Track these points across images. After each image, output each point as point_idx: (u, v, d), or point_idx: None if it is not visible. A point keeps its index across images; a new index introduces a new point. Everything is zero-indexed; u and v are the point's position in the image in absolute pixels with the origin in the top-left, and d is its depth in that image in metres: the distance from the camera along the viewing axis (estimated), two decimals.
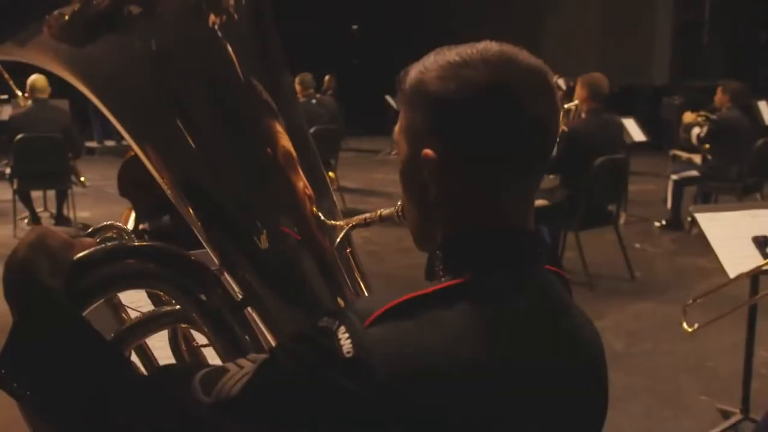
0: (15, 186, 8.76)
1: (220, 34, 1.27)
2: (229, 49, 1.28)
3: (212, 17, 1.26)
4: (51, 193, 9.58)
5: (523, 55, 1.16)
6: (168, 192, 1.37)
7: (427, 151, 1.14)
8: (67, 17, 1.20)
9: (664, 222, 9.13)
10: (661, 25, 19.00)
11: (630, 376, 4.96)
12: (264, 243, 1.34)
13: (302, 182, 1.35)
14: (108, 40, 1.23)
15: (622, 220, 8.27)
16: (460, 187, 1.15)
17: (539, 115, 1.15)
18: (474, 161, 1.14)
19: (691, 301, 3.89)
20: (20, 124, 8.53)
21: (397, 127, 1.22)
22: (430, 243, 1.22)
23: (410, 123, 1.19)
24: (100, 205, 9.72)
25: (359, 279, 1.43)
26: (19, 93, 9.75)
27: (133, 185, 3.67)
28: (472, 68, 1.13)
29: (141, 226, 3.83)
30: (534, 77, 1.15)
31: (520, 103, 1.13)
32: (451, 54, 1.16)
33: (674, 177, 9.03)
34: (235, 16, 1.29)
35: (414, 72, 1.19)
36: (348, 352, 1.01)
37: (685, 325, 3.89)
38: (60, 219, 9.24)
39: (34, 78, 8.55)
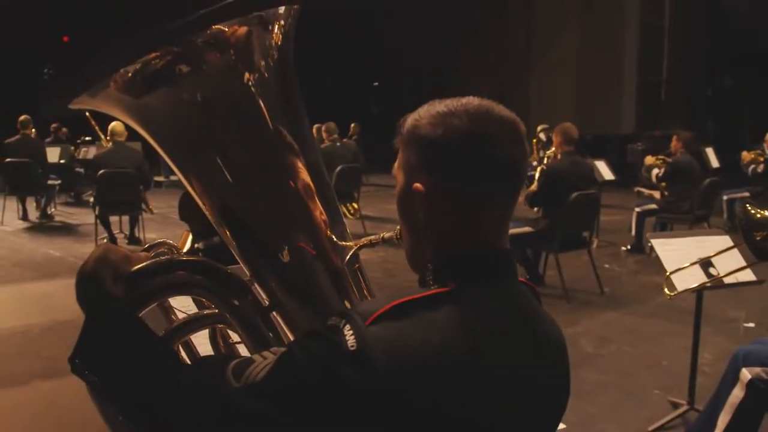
0: (97, 212, 8.92)
1: (253, 89, 1.28)
2: (260, 101, 1.28)
3: (246, 75, 1.27)
4: (125, 218, 9.62)
5: (499, 108, 1.16)
6: (209, 217, 1.37)
7: (418, 185, 1.15)
8: (130, 74, 1.21)
9: (629, 246, 9.06)
10: (627, 85, 19.05)
11: (599, 373, 4.92)
12: (286, 258, 1.33)
13: (318, 210, 1.34)
14: (161, 92, 1.24)
15: (594, 245, 8.23)
16: (444, 214, 1.15)
17: (510, 157, 1.15)
18: (457, 193, 1.14)
19: (668, 273, 3.94)
20: (102, 161, 8.73)
21: (396, 164, 1.22)
22: (420, 260, 1.21)
23: (406, 160, 1.19)
24: (165, 229, 9.75)
25: (365, 290, 1.42)
26: (102, 136, 9.90)
27: (190, 212, 3.69)
28: (457, 117, 1.13)
29: (196, 245, 3.85)
30: (507, 126, 1.15)
31: (494, 146, 1.13)
32: (440, 106, 1.17)
33: (637, 209, 9.00)
34: (266, 74, 1.29)
35: (410, 119, 1.19)
36: (352, 346, 1.00)
37: (666, 290, 3.94)
38: (132, 239, 9.28)
39: (114, 124, 8.71)
